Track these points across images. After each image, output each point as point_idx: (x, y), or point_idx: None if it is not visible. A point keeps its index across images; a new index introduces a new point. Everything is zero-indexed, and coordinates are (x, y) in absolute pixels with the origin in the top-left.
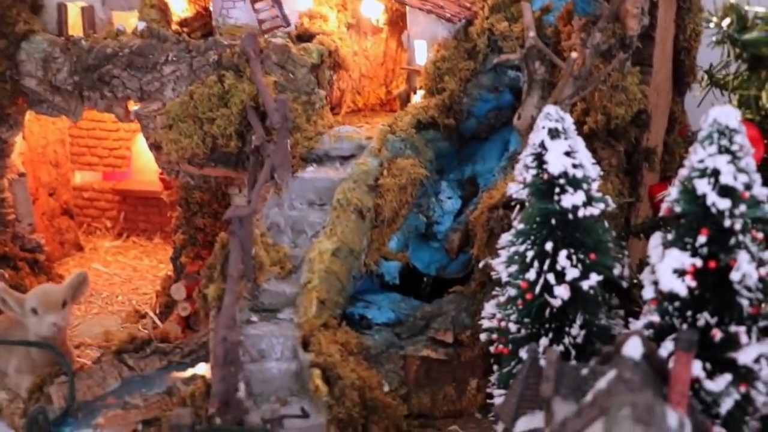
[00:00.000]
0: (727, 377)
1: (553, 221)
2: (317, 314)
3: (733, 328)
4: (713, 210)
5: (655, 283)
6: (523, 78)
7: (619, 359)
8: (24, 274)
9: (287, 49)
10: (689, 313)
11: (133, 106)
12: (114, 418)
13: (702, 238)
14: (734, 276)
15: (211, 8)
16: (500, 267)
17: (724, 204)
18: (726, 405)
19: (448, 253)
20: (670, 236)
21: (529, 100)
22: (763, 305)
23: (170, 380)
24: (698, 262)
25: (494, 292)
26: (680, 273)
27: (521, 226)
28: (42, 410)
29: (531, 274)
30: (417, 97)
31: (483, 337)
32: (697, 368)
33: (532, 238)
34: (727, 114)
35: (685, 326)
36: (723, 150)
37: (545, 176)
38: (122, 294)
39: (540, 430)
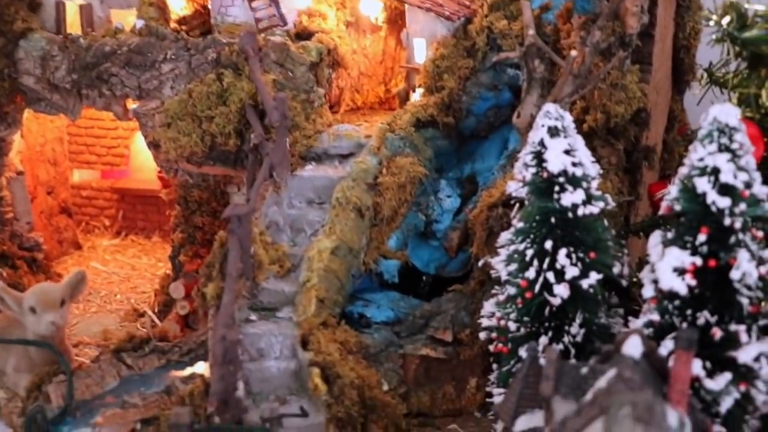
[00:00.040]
0: (727, 376)
1: (553, 220)
2: (316, 313)
3: (733, 327)
4: (713, 208)
5: (655, 281)
6: (523, 76)
7: (618, 358)
8: (22, 272)
9: (286, 47)
10: (689, 311)
11: (132, 105)
12: (112, 417)
13: (702, 237)
14: (734, 274)
15: (209, 6)
16: (499, 265)
17: (724, 202)
18: (726, 404)
19: (448, 252)
20: (669, 235)
21: (529, 99)
22: (763, 304)
23: (169, 379)
24: (698, 261)
25: (494, 291)
26: (680, 271)
27: (521, 225)
28: (40, 409)
29: (530, 273)
30: (416, 96)
31: (482, 335)
32: (697, 367)
33: (532, 236)
34: (727, 112)
35: (685, 325)
36: (723, 148)
37: (545, 174)
38: (121, 293)
39: (540, 429)
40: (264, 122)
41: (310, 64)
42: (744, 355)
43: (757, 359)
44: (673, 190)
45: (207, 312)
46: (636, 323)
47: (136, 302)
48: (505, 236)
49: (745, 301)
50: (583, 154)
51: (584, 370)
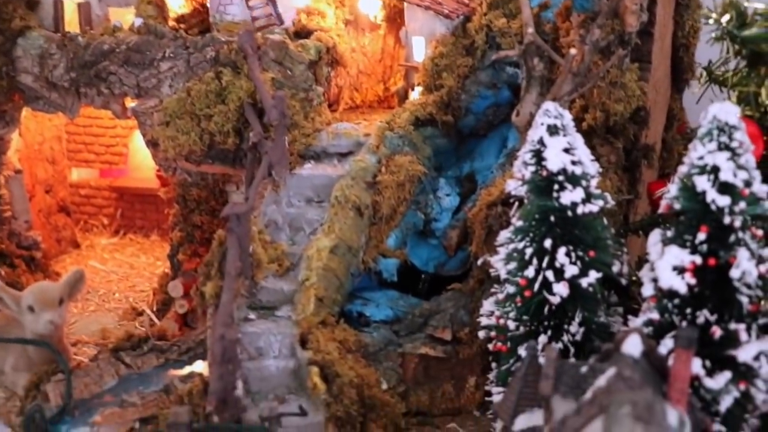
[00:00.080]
0: (727, 375)
1: (552, 218)
2: (315, 312)
3: (732, 326)
4: (713, 207)
5: (655, 280)
6: (522, 74)
7: (618, 357)
8: (21, 271)
9: (285, 45)
10: (689, 310)
11: (130, 103)
12: (111, 416)
13: (701, 235)
14: (734, 273)
15: (208, 5)
16: (499, 264)
17: (724, 201)
18: (726, 402)
19: (447, 251)
20: (669, 233)
21: (528, 97)
22: (762, 302)
23: (167, 378)
24: (698, 260)
25: (493, 290)
26: (680, 270)
27: (520, 223)
28: (39, 408)
29: (530, 272)
30: (415, 94)
31: (481, 334)
32: (696, 366)
33: (531, 235)
34: (727, 111)
35: (684, 324)
36: (723, 147)
37: (544, 173)
38: (119, 291)
39: (539, 428)
40: (263, 121)
41: (309, 63)
42: (744, 354)
43: (756, 358)
44: (672, 188)
45: (206, 311)
46: (635, 322)
47: (134, 301)
48: (504, 235)
49: (744, 299)
50: (583, 152)
51: (584, 368)
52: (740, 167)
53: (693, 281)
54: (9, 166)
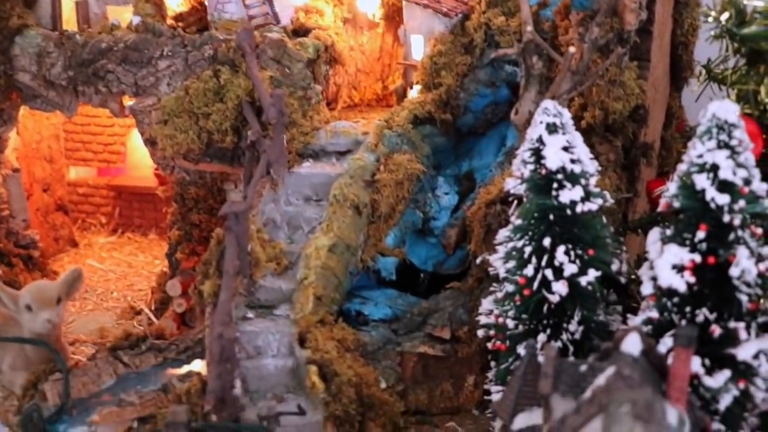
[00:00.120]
0: (726, 373)
1: (551, 217)
2: (314, 310)
3: (732, 324)
4: (712, 205)
5: (654, 278)
6: (521, 73)
7: (617, 355)
8: (18, 270)
9: (283, 43)
10: (688, 309)
11: (128, 101)
12: (109, 415)
13: (701, 234)
14: (733, 272)
15: (206, 3)
16: (498, 263)
17: (723, 199)
18: (725, 401)
19: (445, 249)
20: (668, 232)
21: (527, 95)
22: (762, 301)
23: (166, 377)
24: (697, 258)
25: (492, 288)
26: (679, 269)
27: (519, 222)
28: (36, 407)
29: (529, 270)
30: (413, 92)
31: (480, 333)
32: (696, 364)
33: (530, 233)
34: (726, 109)
35: (684, 322)
36: (722, 145)
37: (543, 171)
38: (117, 290)
39: (538, 427)
40: (261, 119)
41: (308, 61)
42: (743, 353)
43: (756, 356)
44: (671, 186)
45: (204, 310)
46: (635, 320)
47: (132, 300)
48: (503, 233)
49: (744, 298)
50: (582, 150)
51: (583, 367)
52: (739, 165)
53: (692, 280)
54: (7, 164)
